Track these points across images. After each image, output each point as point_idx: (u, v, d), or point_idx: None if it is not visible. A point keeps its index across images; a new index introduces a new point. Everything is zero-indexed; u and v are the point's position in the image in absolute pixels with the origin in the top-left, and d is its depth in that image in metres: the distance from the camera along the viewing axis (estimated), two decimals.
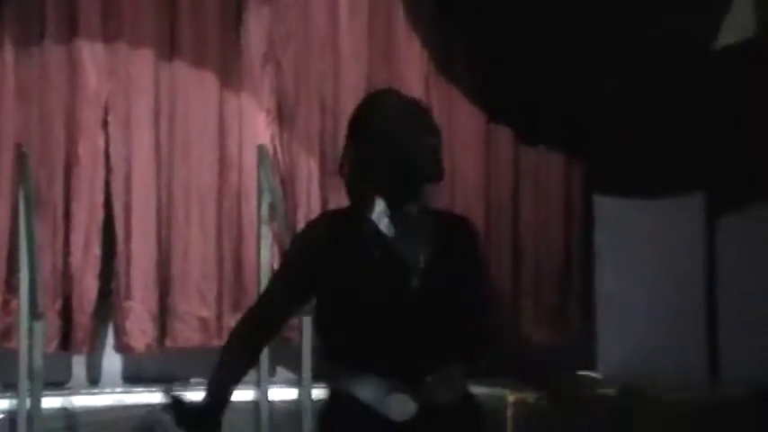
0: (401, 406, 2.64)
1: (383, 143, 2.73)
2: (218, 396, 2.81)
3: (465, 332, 2.73)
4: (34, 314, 4.93)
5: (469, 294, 2.74)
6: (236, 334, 2.84)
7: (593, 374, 6.06)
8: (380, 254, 2.68)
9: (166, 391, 2.84)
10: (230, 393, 2.82)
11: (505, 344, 2.90)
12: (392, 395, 2.63)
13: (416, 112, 2.80)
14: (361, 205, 2.74)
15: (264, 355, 5.53)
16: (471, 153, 6.44)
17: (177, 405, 2.79)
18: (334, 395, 2.74)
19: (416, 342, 2.65)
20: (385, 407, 2.64)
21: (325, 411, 2.77)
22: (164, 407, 2.79)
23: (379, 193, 2.72)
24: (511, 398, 5.12)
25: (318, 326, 2.78)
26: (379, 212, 2.72)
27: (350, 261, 2.68)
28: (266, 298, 2.84)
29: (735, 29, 6.03)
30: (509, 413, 5.08)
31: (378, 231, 2.70)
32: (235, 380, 2.82)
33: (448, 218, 2.85)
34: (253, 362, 2.90)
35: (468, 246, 2.80)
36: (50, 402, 5.27)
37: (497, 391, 5.17)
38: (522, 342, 6.24)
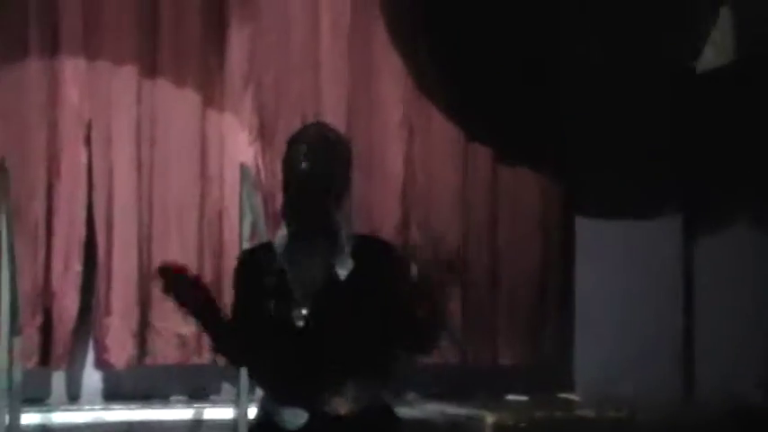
0: (293, 417, 2.86)
1: (283, 171, 2.96)
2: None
3: (367, 350, 2.89)
4: (14, 330, 4.93)
5: (373, 314, 2.88)
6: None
7: (572, 396, 6.09)
8: (273, 283, 2.90)
9: None
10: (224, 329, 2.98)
11: (426, 352, 2.98)
12: (286, 407, 2.87)
13: (294, 145, 2.93)
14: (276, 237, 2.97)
15: (244, 373, 5.56)
16: (450, 171, 6.48)
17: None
18: (257, 412, 3.01)
19: (305, 363, 2.87)
20: (279, 417, 2.87)
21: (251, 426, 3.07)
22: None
23: (287, 220, 2.94)
24: (489, 419, 5.14)
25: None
26: (279, 243, 2.93)
27: (249, 291, 2.95)
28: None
29: (715, 52, 6.11)
30: None
31: (275, 261, 2.91)
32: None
33: (361, 242, 2.96)
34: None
35: (378, 267, 2.91)
36: (30, 419, 5.27)
37: (476, 412, 5.20)
38: (497, 363, 6.29)
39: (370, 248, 2.95)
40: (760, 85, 6.07)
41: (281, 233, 2.94)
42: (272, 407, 2.91)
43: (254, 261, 2.98)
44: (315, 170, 2.88)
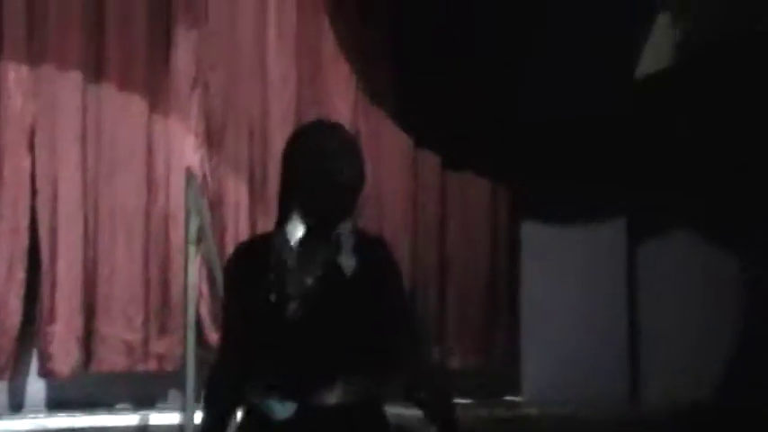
0: (281, 408, 2.83)
1: (284, 168, 2.90)
2: None
3: (360, 346, 2.86)
4: None
5: (367, 313, 2.86)
6: (213, 381, 2.96)
7: (518, 399, 6.11)
8: (272, 278, 2.84)
9: None
10: None
11: (420, 363, 2.95)
12: (273, 398, 2.84)
13: (318, 139, 2.88)
14: (275, 230, 2.90)
15: (191, 379, 5.52)
16: (398, 177, 6.49)
17: None
18: (245, 404, 2.95)
19: (297, 355, 2.84)
20: (266, 407, 2.84)
21: (240, 418, 2.98)
22: None
23: (284, 214, 2.88)
24: None
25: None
26: (283, 236, 2.87)
27: (247, 286, 2.87)
28: (225, 332, 2.97)
29: (654, 56, 6.18)
30: None
31: (276, 255, 2.86)
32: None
33: (361, 240, 2.92)
34: (236, 402, 2.96)
35: (377, 267, 2.89)
36: None
37: (420, 411, 5.20)
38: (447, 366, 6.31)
39: (371, 246, 2.91)
40: (700, 84, 6.16)
41: (292, 224, 2.85)
42: (258, 398, 2.87)
43: (250, 253, 2.91)
44: (351, 170, 2.84)
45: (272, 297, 2.83)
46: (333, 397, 2.84)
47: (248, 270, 2.88)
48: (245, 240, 3.22)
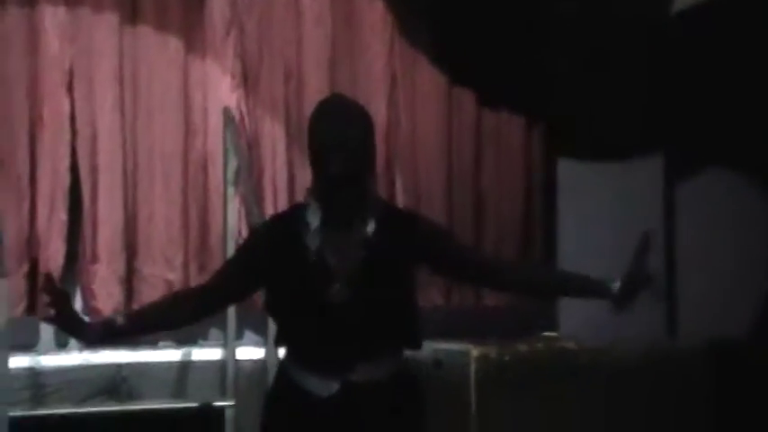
0: (323, 386, 2.89)
1: (310, 146, 2.95)
2: (128, 317, 3.02)
3: (395, 325, 2.92)
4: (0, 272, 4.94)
5: (402, 292, 2.92)
6: (182, 291, 3.09)
7: (554, 335, 6.16)
8: (307, 255, 2.89)
9: None
10: (137, 322, 3.02)
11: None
12: (316, 376, 2.89)
13: (336, 116, 2.91)
14: (303, 207, 2.96)
15: (232, 317, 5.61)
16: (434, 116, 6.50)
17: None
18: (278, 375, 3.01)
19: (338, 335, 2.89)
20: (307, 384, 2.90)
21: (270, 388, 3.06)
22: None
23: (313, 193, 2.94)
24: (474, 353, 5.22)
25: (267, 313, 3.08)
26: (312, 213, 2.92)
27: (281, 263, 2.92)
28: (214, 280, 3.05)
29: None
30: (472, 368, 5.19)
31: (309, 234, 2.91)
32: (151, 316, 3.03)
33: (393, 219, 2.97)
34: (179, 318, 3.04)
35: (407, 245, 2.93)
36: (18, 362, 5.30)
37: (461, 346, 5.28)
38: (482, 304, 6.37)
39: (399, 221, 2.96)
40: (741, 24, 6.09)
41: (313, 208, 2.91)
42: (297, 373, 2.91)
43: (281, 232, 2.95)
44: (352, 160, 2.86)
45: (305, 279, 2.86)
46: (372, 373, 2.88)
47: (276, 247, 2.91)
48: (272, 217, 3.28)
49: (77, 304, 5.95)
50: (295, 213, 2.98)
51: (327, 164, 2.85)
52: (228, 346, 5.59)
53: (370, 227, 2.89)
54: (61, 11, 5.91)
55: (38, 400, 5.40)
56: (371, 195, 2.96)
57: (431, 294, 6.04)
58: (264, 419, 2.99)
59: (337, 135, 2.85)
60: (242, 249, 3.13)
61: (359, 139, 2.88)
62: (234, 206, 5.70)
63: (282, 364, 2.99)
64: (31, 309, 5.78)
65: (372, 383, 2.88)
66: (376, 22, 6.40)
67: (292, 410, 2.91)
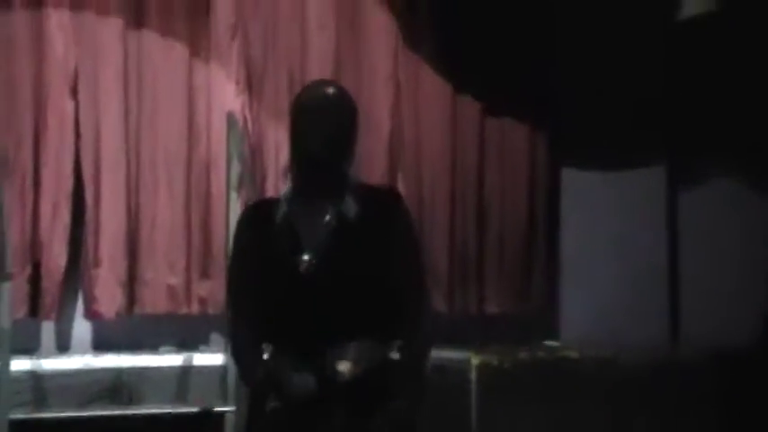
0: (302, 383, 2.81)
1: (291, 131, 2.93)
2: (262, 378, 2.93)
3: (373, 308, 2.84)
4: (2, 275, 4.94)
5: (381, 272, 2.85)
6: (234, 341, 3.00)
7: (556, 344, 6.15)
8: (282, 238, 2.85)
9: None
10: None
11: (425, 325, 2.93)
12: (294, 373, 2.81)
13: (320, 103, 2.90)
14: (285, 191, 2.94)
15: None
16: (438, 123, 6.50)
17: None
18: (264, 370, 2.92)
19: (313, 320, 2.82)
20: (288, 384, 2.82)
21: (252, 390, 2.98)
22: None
23: (293, 176, 2.93)
24: (475, 360, 5.21)
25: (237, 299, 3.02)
26: (286, 196, 2.91)
27: (258, 246, 2.89)
28: (230, 293, 3.01)
29: (697, 1, 6.11)
30: (473, 376, 5.18)
31: (283, 216, 2.88)
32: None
33: (370, 194, 2.93)
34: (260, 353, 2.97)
35: (386, 222, 2.89)
36: (19, 365, 5.30)
37: (462, 353, 5.27)
38: (483, 312, 6.36)
39: (377, 195, 2.93)
40: (747, 32, 6.09)
41: (287, 187, 2.92)
42: (280, 370, 2.84)
43: (258, 213, 2.95)
44: (330, 144, 2.84)
45: (277, 253, 2.82)
46: (349, 366, 2.82)
47: (254, 230, 2.89)
48: (251, 203, 3.26)
49: (79, 308, 5.96)
50: (270, 199, 3.06)
51: (305, 149, 2.86)
52: (229, 352, 5.59)
53: (346, 201, 2.87)
54: (66, 15, 5.92)
55: (39, 403, 5.40)
56: (349, 177, 2.92)
57: (433, 301, 6.03)
58: (248, 420, 2.94)
59: (317, 121, 2.85)
60: (233, 249, 3.05)
61: (338, 124, 2.87)
62: (237, 211, 5.70)
63: (265, 364, 2.92)
64: (32, 312, 5.78)
65: (350, 380, 2.81)
66: (380, 29, 6.40)
67: (273, 408, 2.87)
